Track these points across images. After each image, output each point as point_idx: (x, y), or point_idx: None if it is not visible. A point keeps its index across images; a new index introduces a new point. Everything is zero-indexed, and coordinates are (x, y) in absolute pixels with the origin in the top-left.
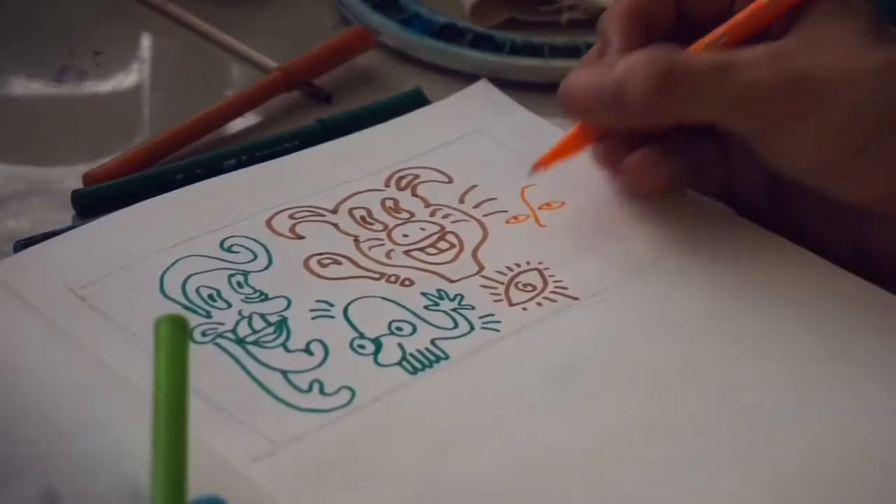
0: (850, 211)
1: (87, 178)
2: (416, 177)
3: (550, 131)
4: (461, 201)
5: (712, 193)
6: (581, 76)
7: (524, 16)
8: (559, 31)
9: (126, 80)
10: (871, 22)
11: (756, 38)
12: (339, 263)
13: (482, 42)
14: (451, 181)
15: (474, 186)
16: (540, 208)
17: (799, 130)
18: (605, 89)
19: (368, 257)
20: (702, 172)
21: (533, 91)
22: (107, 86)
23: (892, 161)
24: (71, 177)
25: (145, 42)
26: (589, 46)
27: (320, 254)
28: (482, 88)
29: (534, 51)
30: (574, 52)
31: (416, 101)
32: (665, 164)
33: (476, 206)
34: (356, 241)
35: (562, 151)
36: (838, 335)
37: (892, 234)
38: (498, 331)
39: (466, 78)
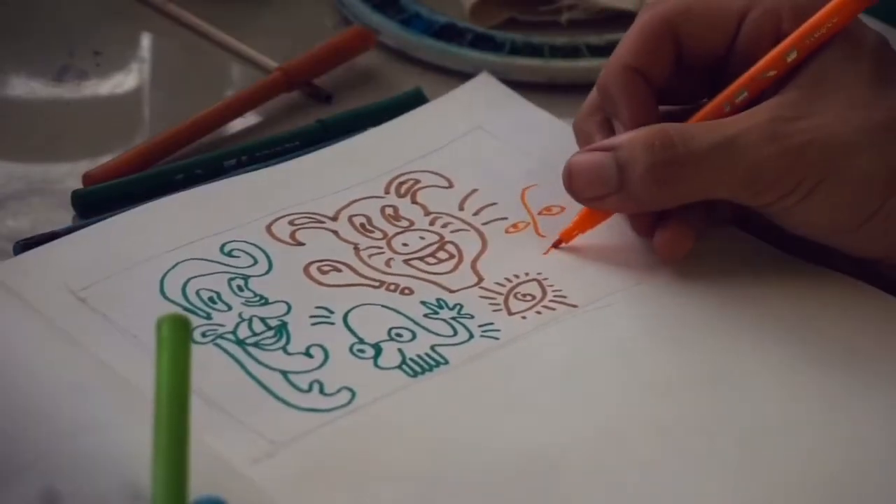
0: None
1: (87, 178)
2: (417, 182)
3: (552, 124)
4: (461, 208)
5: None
6: (583, 159)
7: (524, 16)
8: (559, 31)
9: (126, 80)
10: (879, 66)
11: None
12: (339, 271)
13: (482, 42)
14: (451, 186)
15: (474, 191)
16: (540, 213)
17: (807, 203)
18: (608, 178)
19: (368, 265)
20: (715, 212)
21: (533, 91)
22: (107, 86)
23: None
24: (71, 177)
25: (145, 42)
26: (589, 47)
27: (320, 261)
28: (483, 81)
29: (534, 51)
30: (574, 52)
31: (416, 101)
32: (687, 236)
33: (476, 214)
34: (356, 248)
35: (582, 225)
36: (837, 339)
37: None
38: (497, 339)
39: (466, 78)
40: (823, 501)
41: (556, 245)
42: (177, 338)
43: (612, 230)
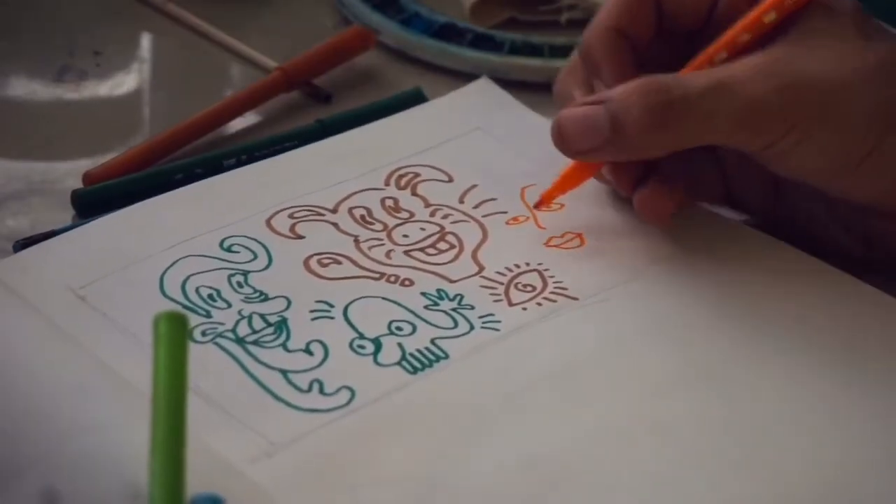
0: (852, 206)
1: (87, 177)
2: (417, 175)
3: (549, 129)
4: (461, 201)
5: (713, 201)
6: (572, 113)
7: (524, 16)
8: (559, 30)
9: (126, 80)
10: (858, 19)
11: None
12: (339, 263)
13: (482, 42)
14: (451, 180)
15: (474, 186)
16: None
17: (804, 144)
18: (600, 126)
19: (368, 257)
20: (702, 185)
21: (533, 91)
22: (107, 86)
23: None
24: (71, 176)
25: (145, 42)
26: None
27: (320, 253)
28: (482, 86)
29: (533, 50)
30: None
31: (415, 100)
32: (670, 194)
33: (476, 207)
34: (356, 240)
35: (563, 186)
36: (838, 337)
37: (892, 224)
38: (498, 330)
39: (466, 78)
40: (822, 501)
41: (538, 206)
42: (174, 335)
43: (613, 221)
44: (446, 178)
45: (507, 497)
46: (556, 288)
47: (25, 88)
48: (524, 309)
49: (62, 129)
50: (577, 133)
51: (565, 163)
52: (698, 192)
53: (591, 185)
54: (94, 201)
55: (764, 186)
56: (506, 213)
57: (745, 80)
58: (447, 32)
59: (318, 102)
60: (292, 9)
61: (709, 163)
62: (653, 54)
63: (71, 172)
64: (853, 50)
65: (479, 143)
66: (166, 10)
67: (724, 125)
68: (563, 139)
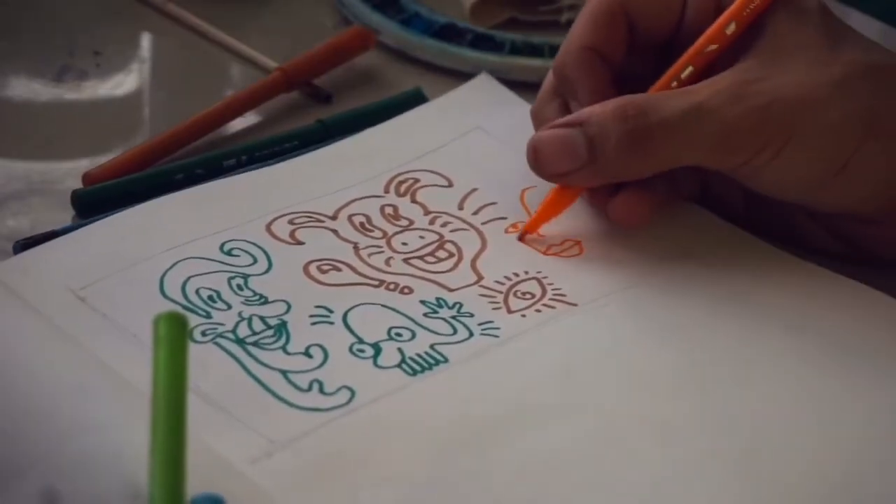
0: (831, 214)
1: (87, 177)
2: (416, 181)
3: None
4: (460, 207)
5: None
6: (548, 135)
7: (524, 16)
8: (559, 30)
9: (126, 80)
10: (827, 27)
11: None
12: (339, 270)
13: (482, 42)
14: (450, 185)
15: (474, 190)
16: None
17: (776, 161)
18: (578, 150)
19: (368, 264)
20: (679, 192)
21: (533, 91)
22: (107, 86)
23: (871, 171)
24: (71, 177)
25: (145, 42)
26: None
27: (320, 260)
28: (483, 82)
29: (534, 51)
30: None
31: (416, 101)
32: (646, 202)
33: (475, 213)
34: (355, 247)
35: (545, 215)
36: (837, 339)
37: (871, 227)
38: (497, 336)
39: (466, 78)
40: (823, 502)
41: (521, 238)
42: (174, 336)
43: (612, 230)
44: (446, 183)
45: (507, 498)
46: (554, 295)
47: (25, 88)
48: (523, 316)
49: (62, 129)
50: (554, 156)
51: None
52: (675, 194)
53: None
54: (94, 201)
55: (744, 190)
56: (505, 218)
57: (719, 105)
58: (447, 32)
59: (318, 102)
60: (292, 9)
61: (686, 172)
62: (627, 69)
63: (71, 172)
64: (819, 62)
65: (479, 144)
66: (166, 10)
67: (698, 149)
68: (538, 162)
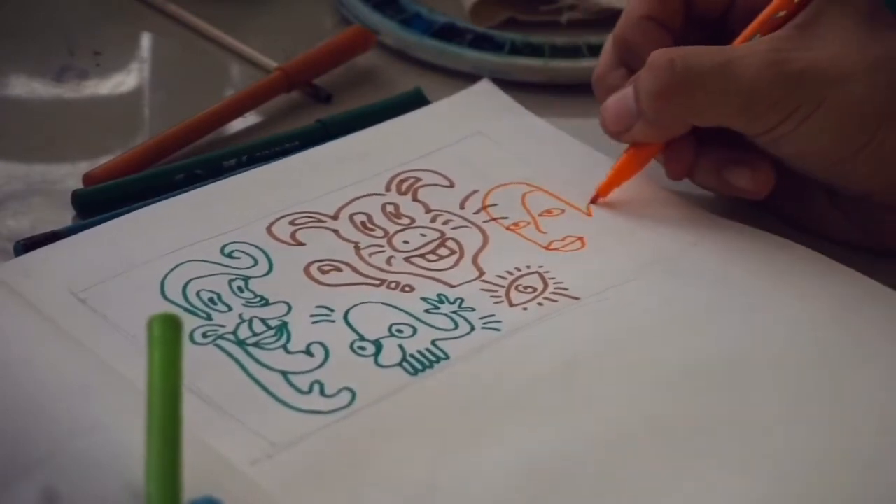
0: (851, 195)
1: (87, 178)
2: (418, 180)
3: (550, 134)
4: (462, 206)
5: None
6: (613, 97)
7: (524, 16)
8: (559, 31)
9: (126, 80)
10: (870, 11)
11: None
12: (340, 270)
13: (482, 42)
14: (452, 185)
15: (475, 191)
16: (540, 215)
17: (802, 130)
18: (630, 108)
19: (369, 264)
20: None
21: (533, 91)
22: (107, 86)
23: (895, 155)
24: (71, 177)
25: (145, 42)
26: (589, 47)
27: (321, 260)
28: (484, 88)
29: (534, 51)
30: (574, 52)
31: (416, 101)
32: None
33: (476, 213)
34: (356, 247)
35: (617, 178)
36: (841, 335)
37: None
38: (499, 330)
39: (466, 78)
40: (829, 499)
41: (593, 200)
42: (168, 337)
43: (613, 224)
44: (447, 184)
45: (508, 498)
46: (556, 289)
47: (25, 88)
48: (525, 309)
49: (62, 129)
50: (614, 115)
51: (565, 169)
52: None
53: (592, 189)
54: (94, 202)
55: None
56: (507, 218)
57: (750, 66)
58: (447, 32)
59: (318, 102)
60: (292, 9)
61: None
62: (685, 40)
63: (71, 173)
64: (857, 41)
65: (481, 148)
66: (166, 10)
67: (725, 107)
68: (604, 122)
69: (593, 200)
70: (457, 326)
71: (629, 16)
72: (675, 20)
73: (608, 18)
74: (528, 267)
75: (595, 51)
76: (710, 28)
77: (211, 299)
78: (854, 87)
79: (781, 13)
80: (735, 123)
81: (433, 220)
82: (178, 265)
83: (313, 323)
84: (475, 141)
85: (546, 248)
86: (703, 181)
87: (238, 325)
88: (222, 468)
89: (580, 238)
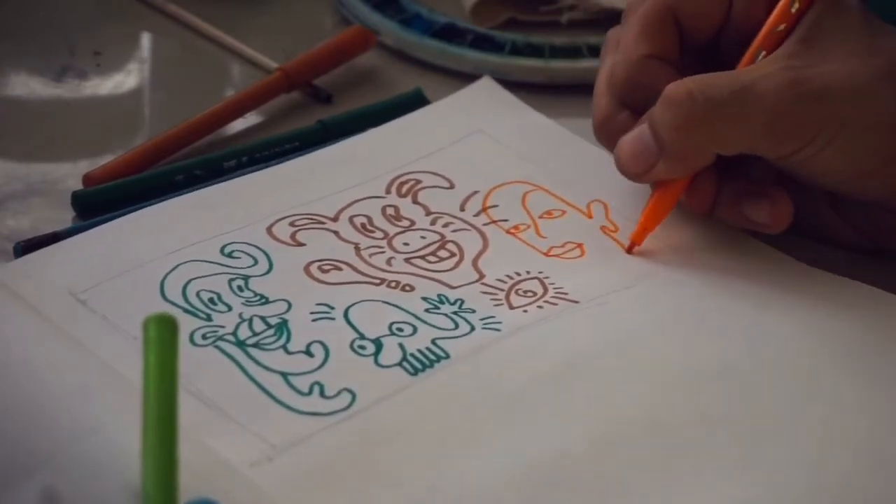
0: (860, 203)
1: (87, 179)
2: (418, 182)
3: (553, 130)
4: (462, 209)
5: None
6: (627, 136)
7: (524, 16)
8: (559, 31)
9: (126, 80)
10: (865, 18)
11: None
12: (340, 269)
13: (482, 42)
14: (452, 186)
15: (475, 192)
16: (540, 217)
17: (827, 152)
18: (650, 147)
19: (369, 264)
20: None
21: (533, 91)
22: (107, 86)
23: None
24: (71, 177)
25: (145, 42)
26: (589, 47)
27: (321, 260)
28: (485, 86)
29: (534, 51)
30: (574, 52)
31: (416, 101)
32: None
33: (476, 215)
34: (356, 248)
35: (650, 223)
36: (841, 339)
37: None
38: (499, 330)
39: (466, 78)
40: (826, 501)
41: (629, 250)
42: (164, 338)
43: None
44: (447, 185)
45: (508, 498)
46: (556, 293)
47: (25, 88)
48: (525, 311)
49: (62, 129)
50: (632, 156)
51: (568, 166)
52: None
53: (592, 192)
54: (94, 202)
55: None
56: (507, 220)
57: (770, 89)
58: (447, 33)
59: (318, 103)
60: (292, 9)
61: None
62: (682, 73)
63: (71, 173)
64: (861, 51)
65: (481, 147)
66: (166, 10)
67: (750, 132)
68: (621, 166)
69: (629, 250)
70: (457, 326)
71: (629, 58)
72: (674, 53)
73: (608, 18)
74: (528, 272)
75: (595, 51)
76: (702, 55)
77: (211, 299)
78: (874, 102)
79: (781, 26)
80: (759, 147)
81: (433, 222)
82: (177, 265)
83: (313, 321)
84: (476, 140)
85: (546, 254)
86: (722, 214)
87: (238, 325)
88: (222, 470)
89: (579, 245)
